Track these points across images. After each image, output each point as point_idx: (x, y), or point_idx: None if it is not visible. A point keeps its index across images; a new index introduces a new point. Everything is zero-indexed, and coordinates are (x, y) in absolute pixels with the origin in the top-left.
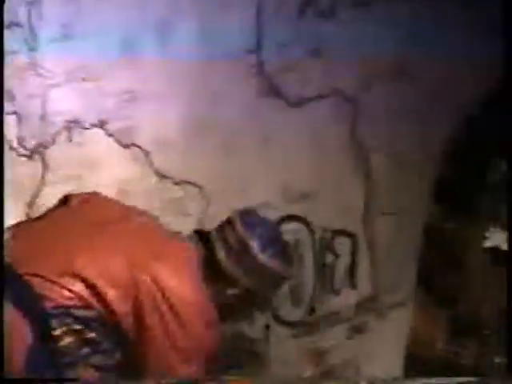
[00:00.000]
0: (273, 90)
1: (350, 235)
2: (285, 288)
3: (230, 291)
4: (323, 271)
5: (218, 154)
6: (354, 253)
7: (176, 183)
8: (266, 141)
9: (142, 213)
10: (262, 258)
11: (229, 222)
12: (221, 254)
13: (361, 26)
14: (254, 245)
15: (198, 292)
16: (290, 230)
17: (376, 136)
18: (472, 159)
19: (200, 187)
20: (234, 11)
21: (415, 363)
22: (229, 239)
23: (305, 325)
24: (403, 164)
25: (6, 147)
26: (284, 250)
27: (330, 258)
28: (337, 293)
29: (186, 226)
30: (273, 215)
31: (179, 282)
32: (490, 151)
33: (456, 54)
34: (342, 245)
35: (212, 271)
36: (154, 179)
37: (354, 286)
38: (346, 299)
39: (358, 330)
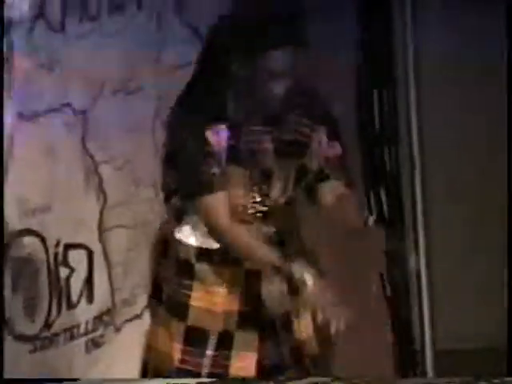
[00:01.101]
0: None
1: (86, 248)
2: (19, 302)
3: None
4: (59, 285)
5: None
6: (90, 266)
7: None
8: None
9: None
10: None
11: None
12: None
13: (90, 39)
14: None
15: None
16: (24, 245)
17: (106, 149)
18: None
19: None
20: None
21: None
22: None
23: (41, 340)
24: (136, 177)
25: None
26: None
27: (65, 271)
28: (73, 307)
29: None
30: (7, 230)
31: None
32: None
33: None
34: (78, 258)
35: None
36: None
37: (91, 299)
38: (83, 313)
39: (95, 344)
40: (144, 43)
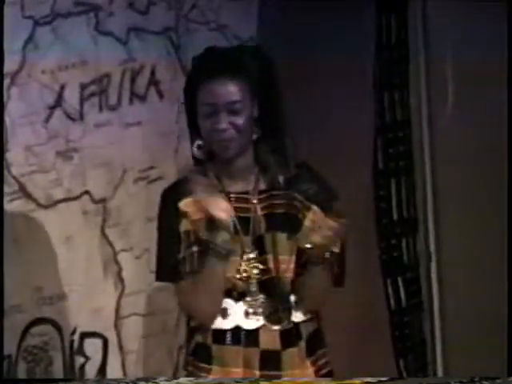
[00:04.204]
0: (23, 192)
1: (101, 337)
2: None
3: None
4: (73, 374)
5: None
6: (104, 355)
7: None
8: (19, 243)
9: None
10: None
11: None
12: None
13: (109, 129)
14: None
15: None
16: (40, 333)
17: (124, 236)
18: None
19: None
20: None
21: None
22: None
23: None
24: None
25: None
26: None
27: (80, 360)
28: None
29: None
30: (24, 318)
31: None
32: None
33: None
34: (93, 347)
35: None
36: None
37: None
38: None
39: None
40: (164, 133)
